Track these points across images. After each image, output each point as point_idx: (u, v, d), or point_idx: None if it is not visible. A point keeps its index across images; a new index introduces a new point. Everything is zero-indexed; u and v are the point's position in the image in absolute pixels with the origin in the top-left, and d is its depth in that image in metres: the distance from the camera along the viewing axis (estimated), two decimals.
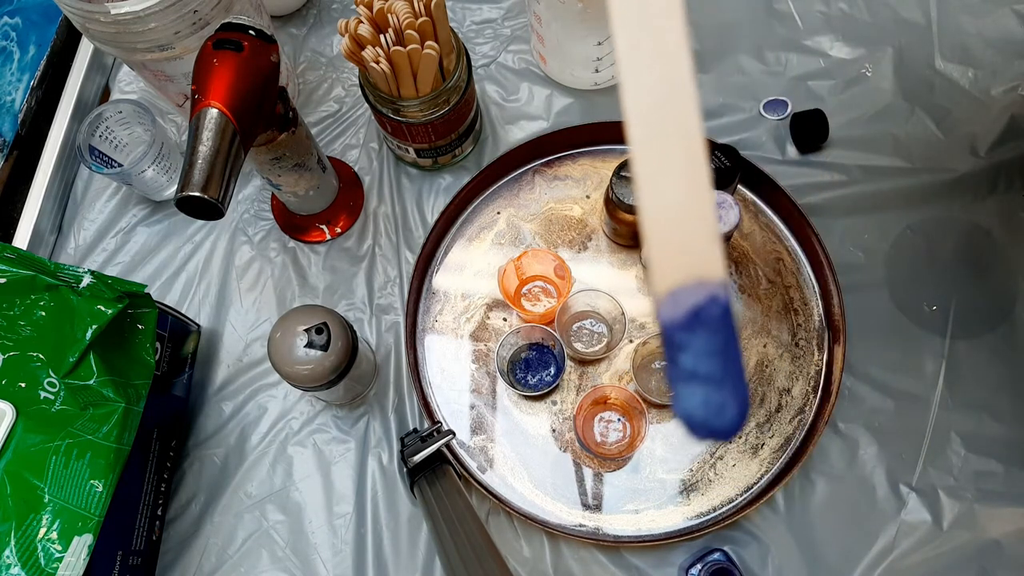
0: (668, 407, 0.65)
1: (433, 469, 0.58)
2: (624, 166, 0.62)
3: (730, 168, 0.63)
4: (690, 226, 0.16)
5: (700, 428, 0.16)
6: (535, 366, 0.67)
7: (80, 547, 0.50)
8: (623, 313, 0.64)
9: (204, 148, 0.47)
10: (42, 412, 0.52)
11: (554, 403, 0.66)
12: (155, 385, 0.58)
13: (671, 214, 0.16)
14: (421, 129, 0.66)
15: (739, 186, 0.71)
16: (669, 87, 0.16)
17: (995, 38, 0.76)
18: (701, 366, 0.16)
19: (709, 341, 0.16)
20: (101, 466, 0.52)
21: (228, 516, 0.65)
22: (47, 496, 0.50)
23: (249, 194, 0.76)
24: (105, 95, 0.84)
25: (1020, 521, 0.61)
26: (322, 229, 0.73)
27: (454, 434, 0.62)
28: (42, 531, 0.50)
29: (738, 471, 0.64)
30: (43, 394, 0.52)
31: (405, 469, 0.60)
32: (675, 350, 0.16)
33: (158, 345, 0.60)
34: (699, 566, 0.58)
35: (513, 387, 0.65)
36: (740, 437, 0.65)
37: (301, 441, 0.67)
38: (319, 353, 0.55)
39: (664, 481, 0.64)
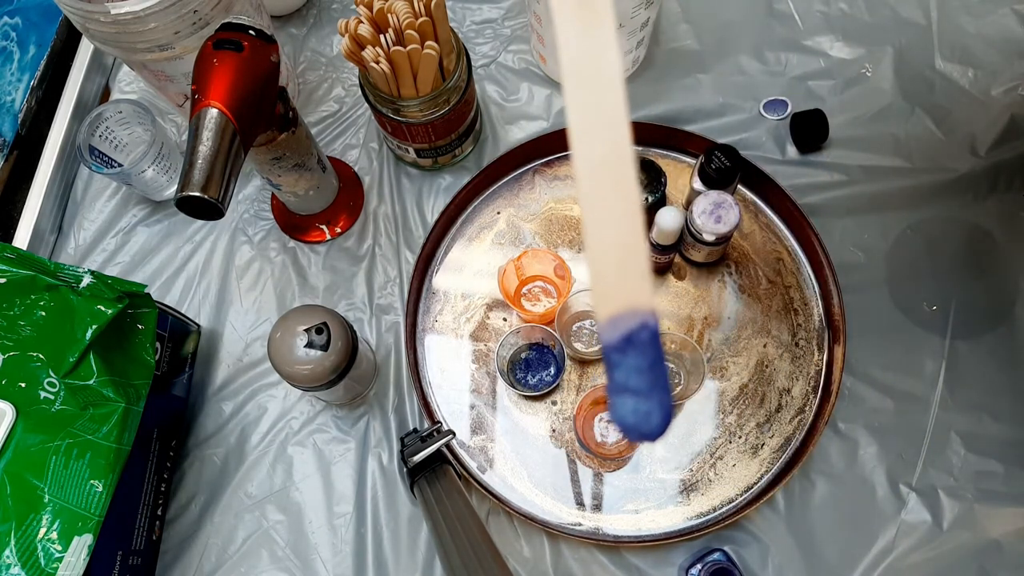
0: None
1: (433, 469, 0.58)
2: None
3: (730, 168, 0.63)
4: (626, 265, 0.19)
5: (631, 431, 0.19)
6: (535, 366, 0.67)
7: (80, 547, 0.50)
8: None
9: (204, 148, 0.47)
10: (42, 412, 0.52)
11: (554, 403, 0.66)
12: (155, 385, 0.58)
13: (611, 256, 0.19)
14: (421, 129, 0.66)
15: (739, 186, 0.71)
16: (611, 151, 0.19)
17: (995, 38, 0.76)
18: (632, 380, 0.19)
19: (639, 360, 0.19)
20: (101, 466, 0.52)
21: (228, 516, 0.65)
22: (47, 496, 0.50)
23: (249, 194, 0.76)
24: (105, 95, 0.84)
25: (1020, 521, 0.61)
26: (322, 229, 0.73)
27: (454, 434, 0.62)
28: (42, 531, 0.50)
29: (738, 471, 0.64)
30: (43, 394, 0.52)
31: (405, 469, 0.60)
32: (612, 367, 0.19)
33: (158, 345, 0.60)
34: (699, 566, 0.58)
35: (513, 387, 0.65)
36: (740, 437, 0.65)
37: (301, 441, 0.67)
38: (319, 353, 0.55)
39: (664, 481, 0.64)
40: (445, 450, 0.60)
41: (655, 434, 0.19)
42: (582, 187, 0.19)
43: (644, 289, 0.19)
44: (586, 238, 0.19)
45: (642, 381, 0.19)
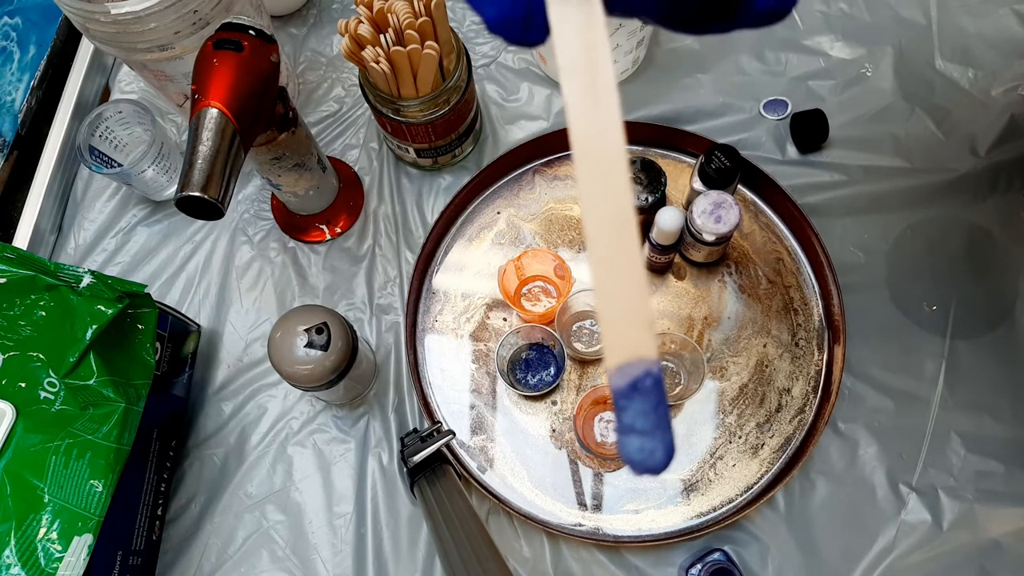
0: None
1: (433, 469, 0.58)
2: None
3: (730, 168, 0.63)
4: (632, 321, 0.22)
5: (637, 466, 0.21)
6: (535, 366, 0.67)
7: (80, 547, 0.50)
8: None
9: (204, 148, 0.47)
10: (42, 412, 0.52)
11: (554, 403, 0.66)
12: (155, 385, 0.58)
13: (619, 313, 0.22)
14: (421, 129, 0.66)
15: (739, 186, 0.71)
16: (616, 219, 0.22)
17: (995, 38, 0.76)
18: (637, 422, 0.21)
19: (644, 404, 0.21)
20: (101, 466, 0.52)
21: (228, 516, 0.65)
22: (47, 496, 0.50)
23: (249, 194, 0.76)
24: (105, 95, 0.84)
25: (1020, 521, 0.61)
26: (322, 229, 0.73)
27: (454, 434, 0.62)
28: (42, 531, 0.50)
29: (738, 471, 0.64)
30: (43, 394, 0.52)
31: (405, 469, 0.60)
32: (620, 410, 0.22)
33: (158, 345, 0.60)
34: (699, 566, 0.58)
35: (513, 387, 0.65)
36: (740, 437, 0.65)
37: (301, 441, 0.67)
38: (319, 353, 0.55)
39: (664, 481, 0.64)
40: (445, 450, 0.60)
41: (659, 469, 0.22)
42: (592, 258, 0.22)
43: (648, 341, 0.22)
44: (596, 300, 0.22)
45: (647, 422, 0.21)
